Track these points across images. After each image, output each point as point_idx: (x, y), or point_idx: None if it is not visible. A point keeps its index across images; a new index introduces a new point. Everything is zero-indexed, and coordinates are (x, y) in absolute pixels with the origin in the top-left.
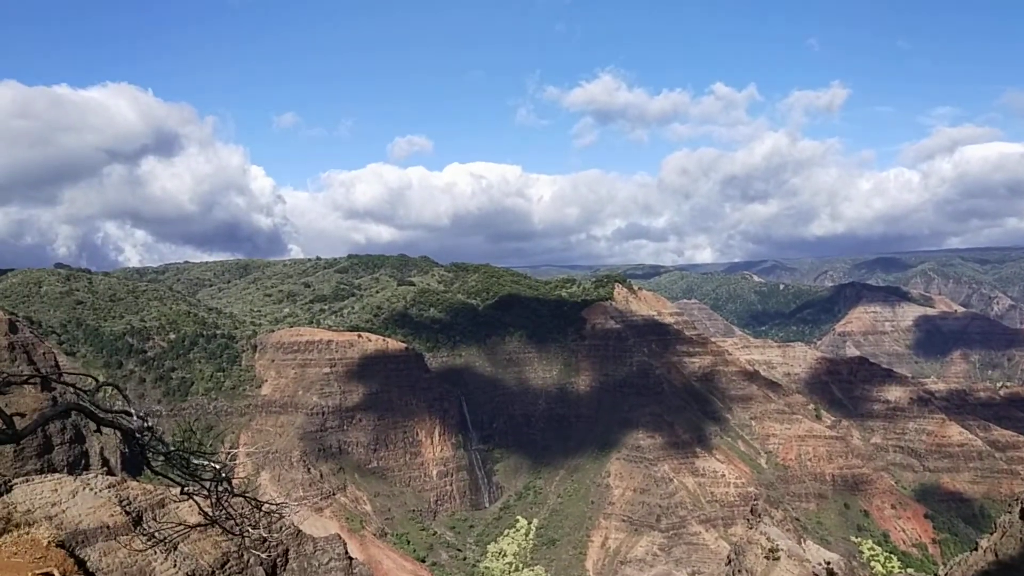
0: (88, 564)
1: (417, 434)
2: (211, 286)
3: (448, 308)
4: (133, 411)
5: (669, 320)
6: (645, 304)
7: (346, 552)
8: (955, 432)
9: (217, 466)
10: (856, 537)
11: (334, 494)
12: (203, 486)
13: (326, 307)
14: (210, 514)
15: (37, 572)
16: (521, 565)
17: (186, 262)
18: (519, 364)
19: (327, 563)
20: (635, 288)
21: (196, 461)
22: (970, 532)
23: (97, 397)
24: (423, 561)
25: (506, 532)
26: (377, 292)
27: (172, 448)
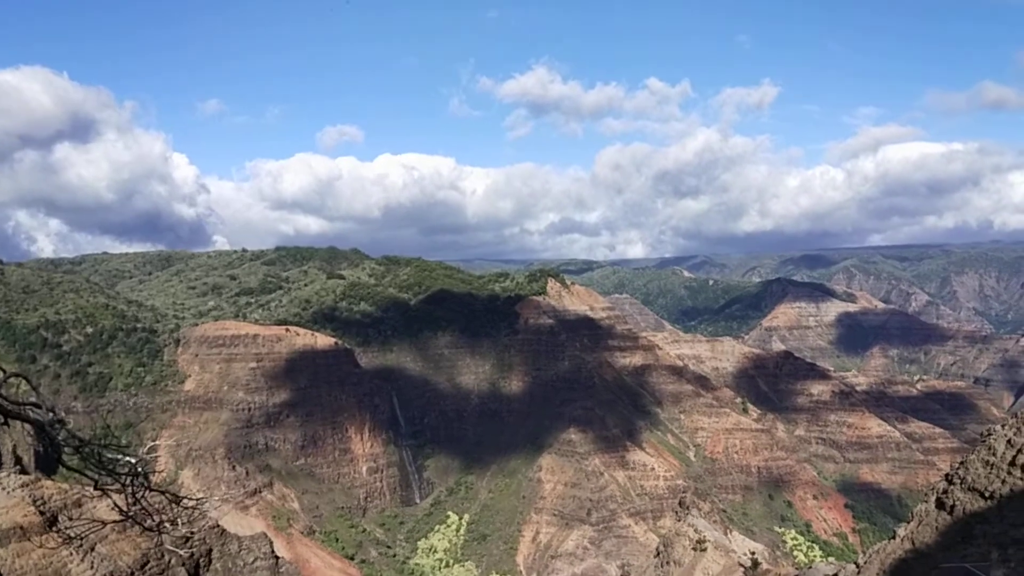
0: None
1: (346, 430)
2: (131, 278)
3: (379, 302)
4: (43, 403)
5: (601, 315)
6: (578, 299)
7: (272, 551)
8: (874, 425)
9: (133, 460)
10: (780, 527)
11: (260, 491)
12: (118, 481)
13: (252, 300)
14: (126, 511)
15: None
16: (452, 561)
17: (104, 253)
18: (451, 360)
19: (252, 562)
20: (568, 283)
21: (110, 455)
22: (888, 521)
23: (4, 389)
24: (352, 559)
25: (437, 528)
26: (306, 285)
27: (85, 441)
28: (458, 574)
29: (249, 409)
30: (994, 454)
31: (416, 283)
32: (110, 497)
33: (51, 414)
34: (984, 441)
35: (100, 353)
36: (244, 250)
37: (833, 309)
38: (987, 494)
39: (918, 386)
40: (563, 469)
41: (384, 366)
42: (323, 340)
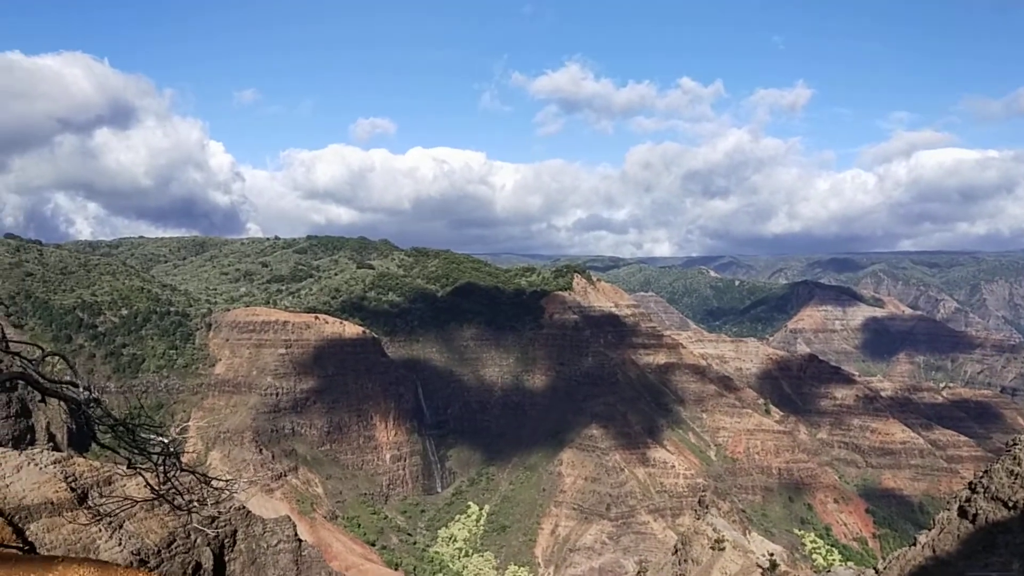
0: (28, 535)
1: (371, 418)
2: (166, 262)
3: (407, 293)
4: (79, 382)
5: (626, 312)
6: (603, 296)
7: (295, 534)
8: (898, 431)
9: (165, 440)
10: (799, 530)
11: (285, 475)
12: (151, 460)
13: (283, 288)
14: (158, 489)
15: None
16: (471, 551)
17: (141, 237)
18: (476, 352)
19: (276, 544)
20: (594, 279)
21: (144, 435)
22: (909, 528)
23: (43, 367)
24: (373, 545)
25: (457, 518)
26: (336, 274)
27: (119, 420)
28: (477, 564)
29: (277, 394)
30: (1019, 464)
31: (444, 275)
32: (142, 475)
33: (87, 393)
34: (1009, 451)
35: (134, 335)
36: (276, 238)
37: (860, 313)
38: (1010, 504)
39: (944, 393)
40: (584, 464)
41: (410, 356)
42: (351, 329)
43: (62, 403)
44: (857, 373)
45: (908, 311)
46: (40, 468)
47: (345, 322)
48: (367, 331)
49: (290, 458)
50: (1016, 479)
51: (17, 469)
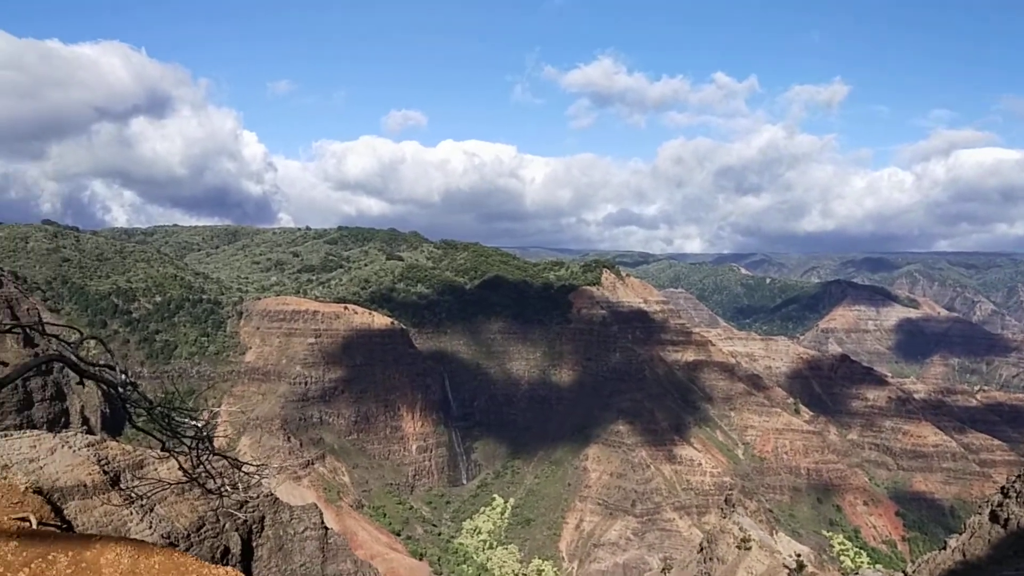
0: (65, 514)
1: (398, 409)
2: (199, 251)
3: (435, 285)
4: (116, 365)
5: (655, 308)
6: (632, 291)
7: (322, 522)
8: (930, 433)
9: (199, 424)
10: (827, 531)
11: (312, 463)
12: (184, 443)
13: (314, 278)
14: (190, 472)
15: (13, 517)
16: (495, 543)
17: (175, 225)
18: (503, 345)
19: (303, 532)
20: (623, 275)
21: (178, 418)
22: (939, 532)
23: (80, 351)
24: (398, 535)
25: (482, 510)
26: (365, 265)
27: (155, 404)
28: (501, 556)
29: (306, 383)
30: None
31: (472, 268)
32: (175, 459)
33: (123, 376)
34: None
35: (167, 321)
36: (307, 228)
37: (894, 314)
38: None
39: (978, 396)
40: (609, 459)
41: (437, 348)
42: (380, 320)
43: (97, 387)
44: (890, 374)
45: (943, 312)
46: (74, 451)
47: (374, 313)
48: (395, 322)
49: (318, 446)
50: None
51: (52, 451)
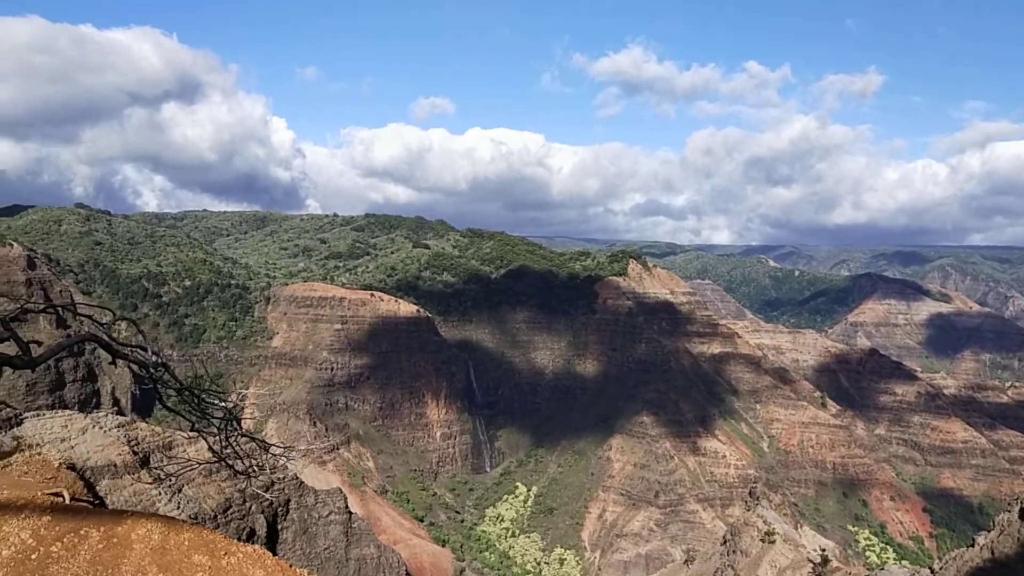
0: (97, 491)
1: (423, 396)
2: (228, 236)
3: (461, 274)
4: (148, 347)
5: (682, 300)
6: (658, 282)
7: (346, 506)
8: (960, 429)
9: (228, 406)
10: (853, 526)
11: (337, 448)
12: (213, 424)
13: (341, 264)
14: (219, 453)
15: (47, 491)
16: (518, 531)
17: (204, 210)
18: (528, 335)
19: (327, 515)
20: (650, 265)
21: (207, 400)
22: (967, 529)
23: (112, 331)
24: (421, 520)
25: (505, 498)
26: (392, 252)
27: (185, 385)
28: (523, 545)
29: (332, 369)
30: None
31: (498, 257)
32: (204, 439)
33: (155, 357)
34: None
35: (196, 306)
36: (335, 215)
37: (925, 308)
38: None
39: (1009, 393)
40: (633, 450)
41: (462, 336)
42: (406, 307)
43: (128, 368)
44: (919, 369)
45: (976, 307)
46: (104, 431)
47: (400, 300)
48: (421, 310)
49: (343, 432)
50: None
51: (83, 431)
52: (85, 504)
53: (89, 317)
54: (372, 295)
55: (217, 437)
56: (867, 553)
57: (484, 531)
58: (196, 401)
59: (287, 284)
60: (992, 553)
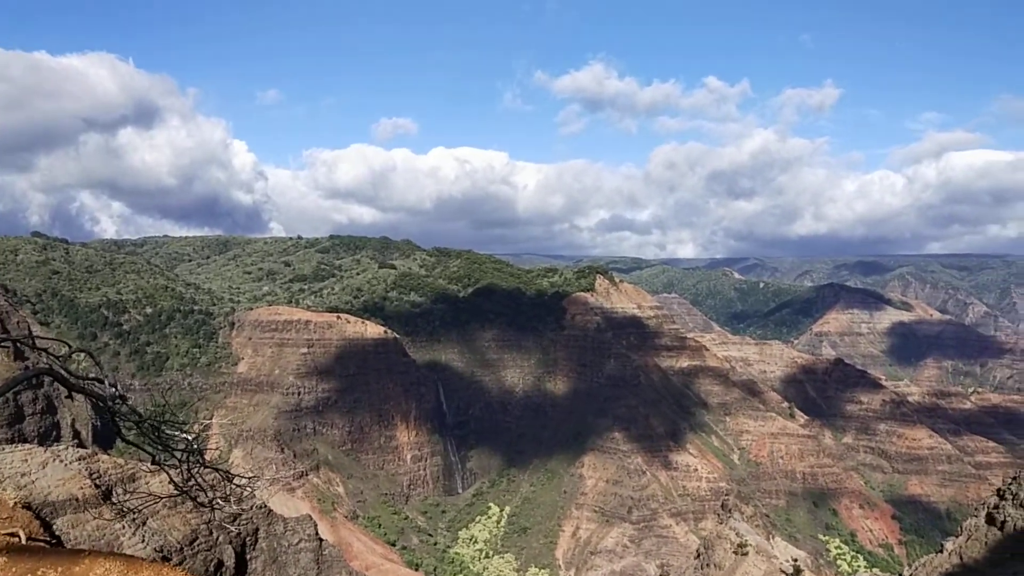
0: (55, 529)
1: (392, 419)
2: (190, 261)
3: (428, 293)
4: (105, 379)
5: (649, 314)
6: (626, 297)
7: (316, 533)
8: (925, 436)
9: (189, 437)
10: (824, 535)
11: (306, 475)
12: (175, 457)
13: (306, 287)
14: (182, 486)
15: (2, 532)
16: (492, 552)
17: (165, 236)
18: (497, 353)
19: (297, 543)
20: (616, 280)
21: (168, 432)
22: (936, 535)
23: (69, 364)
24: (394, 545)
25: (478, 519)
26: (358, 274)
27: (144, 417)
28: (497, 565)
29: (299, 394)
30: None
31: (465, 275)
32: (166, 472)
33: (112, 389)
34: None
35: (158, 333)
36: (299, 237)
37: (887, 317)
38: None
39: (972, 399)
40: (605, 466)
41: (431, 357)
42: (373, 329)
43: (87, 400)
44: (884, 377)
45: (936, 315)
46: (65, 465)
47: (367, 322)
48: (388, 331)
49: (311, 457)
50: None
51: (43, 465)
52: (42, 544)
53: (45, 350)
54: (338, 317)
55: (179, 469)
56: (838, 562)
57: (458, 553)
58: (156, 433)
59: (251, 308)
60: (961, 558)
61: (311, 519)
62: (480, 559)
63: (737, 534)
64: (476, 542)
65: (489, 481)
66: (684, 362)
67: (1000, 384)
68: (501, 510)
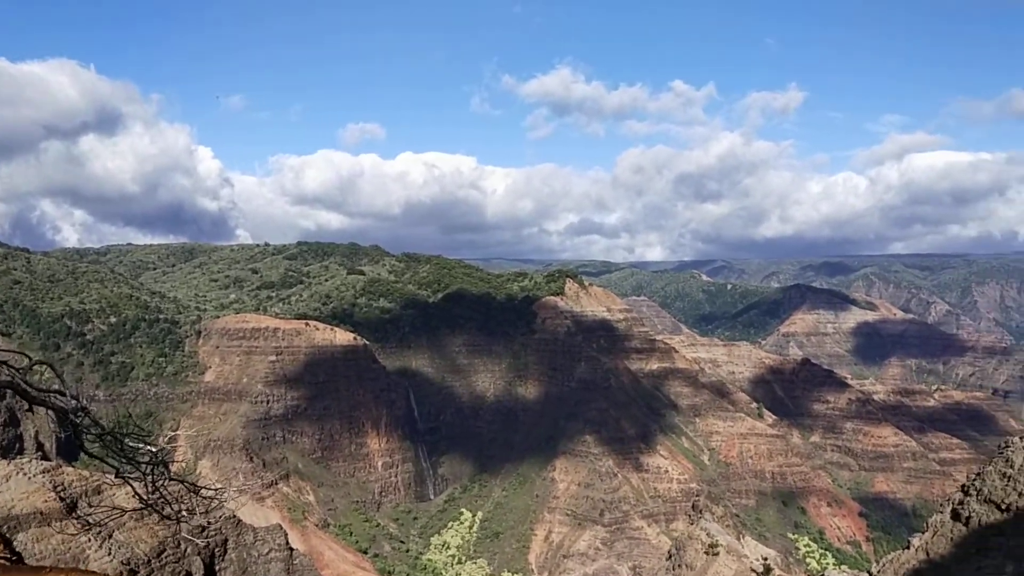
0: (15, 545)
1: (363, 426)
2: (155, 269)
3: (398, 299)
4: (67, 391)
5: (619, 317)
6: (595, 300)
7: (287, 542)
8: (890, 434)
9: (154, 449)
10: (793, 534)
11: (276, 483)
12: (138, 469)
13: (274, 294)
14: (146, 499)
15: None
16: (464, 558)
17: (129, 244)
18: (468, 358)
19: (267, 553)
20: (586, 284)
21: (132, 444)
22: (903, 531)
23: (29, 376)
24: (365, 553)
25: (450, 525)
26: (326, 280)
27: (107, 430)
28: (470, 571)
29: (268, 402)
30: (1011, 466)
31: (435, 280)
32: (130, 485)
33: (74, 402)
34: (1002, 453)
35: (123, 343)
36: (266, 244)
37: (852, 317)
38: (1003, 506)
39: (936, 396)
40: (577, 470)
41: (401, 363)
42: (342, 336)
43: (50, 412)
44: (850, 376)
45: (900, 314)
46: (29, 478)
47: (336, 329)
48: (358, 338)
49: (281, 466)
50: (1009, 481)
51: (6, 479)
52: (2, 561)
53: (5, 363)
54: (307, 324)
55: (144, 482)
56: (807, 560)
57: (430, 560)
58: (119, 446)
59: (218, 317)
60: (927, 554)
61: (281, 528)
62: (453, 565)
63: (708, 534)
64: (448, 548)
65: (461, 487)
66: (654, 364)
67: (962, 381)
68: (473, 515)
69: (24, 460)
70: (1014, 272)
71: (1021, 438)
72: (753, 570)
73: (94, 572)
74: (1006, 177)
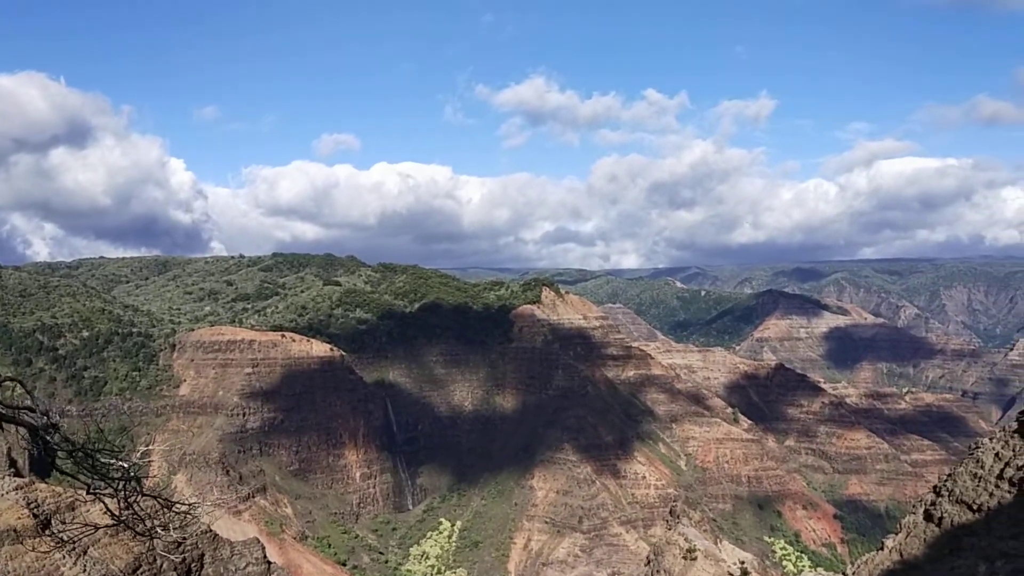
0: None
1: (340, 437)
2: (127, 283)
3: (374, 309)
4: (37, 407)
5: (595, 325)
6: (572, 308)
7: (264, 556)
8: (863, 437)
9: (126, 465)
10: (769, 537)
11: (253, 497)
12: (111, 486)
13: (249, 306)
14: (119, 515)
15: None
16: (444, 567)
17: (101, 257)
18: (445, 368)
19: (244, 567)
20: (562, 292)
21: (104, 460)
22: (877, 533)
23: (0, 393)
24: (344, 564)
25: (429, 534)
26: (302, 291)
27: (78, 446)
28: None
29: (244, 414)
30: (982, 467)
31: (412, 291)
32: (103, 502)
33: (45, 418)
34: (972, 454)
35: (96, 357)
36: (241, 256)
37: (824, 322)
38: (975, 507)
39: (907, 399)
40: (555, 477)
41: (378, 374)
42: (318, 347)
43: (21, 428)
44: (822, 381)
45: (870, 319)
46: (1, 495)
47: (312, 340)
48: (334, 349)
49: (258, 479)
50: (979, 482)
51: None
52: None
53: None
54: (283, 336)
55: (116, 498)
56: (784, 563)
57: (409, 570)
58: (91, 462)
59: (193, 329)
60: (901, 555)
61: (258, 542)
62: (432, 575)
63: (686, 539)
64: (428, 558)
65: (440, 497)
66: (630, 371)
67: (932, 384)
68: (452, 525)
69: None
70: (981, 276)
71: (991, 439)
72: (730, 574)
73: None
74: (972, 182)
